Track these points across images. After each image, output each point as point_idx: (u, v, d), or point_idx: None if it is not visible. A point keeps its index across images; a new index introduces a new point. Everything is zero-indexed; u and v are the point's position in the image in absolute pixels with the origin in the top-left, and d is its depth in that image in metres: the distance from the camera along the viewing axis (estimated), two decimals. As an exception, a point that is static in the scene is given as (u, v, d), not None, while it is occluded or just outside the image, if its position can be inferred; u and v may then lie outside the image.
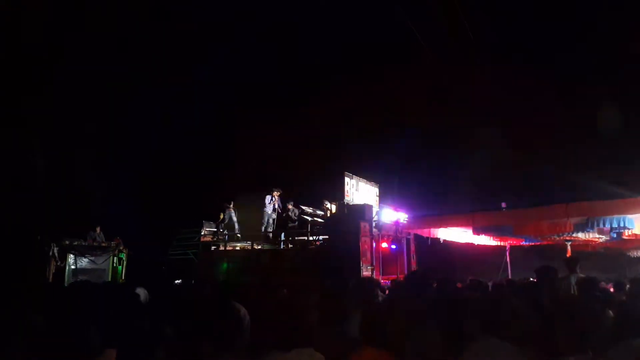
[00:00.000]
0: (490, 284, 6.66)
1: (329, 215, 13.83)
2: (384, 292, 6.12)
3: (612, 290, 6.22)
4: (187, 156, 21.59)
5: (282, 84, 22.13)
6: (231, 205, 15.51)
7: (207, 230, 15.61)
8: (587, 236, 12.42)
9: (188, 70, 21.82)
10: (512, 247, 15.48)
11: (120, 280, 13.95)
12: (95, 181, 18.80)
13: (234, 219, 15.44)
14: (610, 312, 3.22)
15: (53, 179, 17.39)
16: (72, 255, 14.24)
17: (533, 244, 15.13)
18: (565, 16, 19.51)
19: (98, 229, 15.23)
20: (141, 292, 4.82)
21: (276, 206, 15.24)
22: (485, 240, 14.85)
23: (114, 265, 14.96)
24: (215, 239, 15.50)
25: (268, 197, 15.06)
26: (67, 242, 14.24)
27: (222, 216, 15.46)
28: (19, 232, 14.04)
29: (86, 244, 14.71)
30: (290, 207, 14.93)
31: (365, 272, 12.09)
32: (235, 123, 21.69)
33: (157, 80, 21.16)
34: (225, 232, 15.40)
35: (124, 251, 15.36)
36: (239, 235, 15.44)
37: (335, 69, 21.76)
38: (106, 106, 19.66)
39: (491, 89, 20.67)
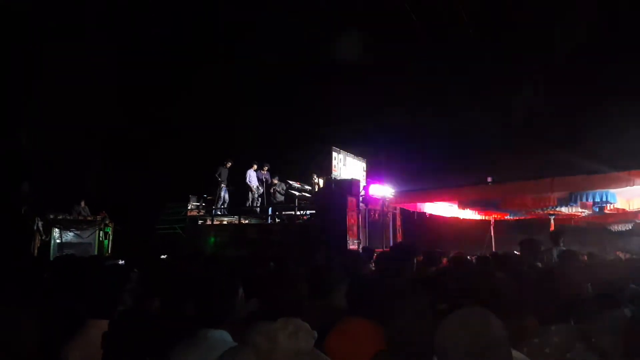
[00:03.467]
0: (474, 257, 6.77)
1: (316, 189, 13.86)
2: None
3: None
4: (173, 130, 21.38)
5: (269, 59, 21.82)
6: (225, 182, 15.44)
7: (193, 204, 15.58)
8: (570, 210, 12.58)
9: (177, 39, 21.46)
10: (496, 221, 15.65)
11: (107, 255, 13.92)
12: (81, 155, 18.59)
13: (225, 195, 15.37)
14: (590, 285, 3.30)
15: (36, 151, 17.15)
16: (57, 230, 14.13)
17: (517, 218, 15.31)
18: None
19: (83, 203, 15.11)
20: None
21: (263, 179, 15.28)
22: (470, 214, 15.00)
23: (100, 239, 14.90)
24: (199, 212, 15.45)
25: (249, 172, 15.05)
26: (51, 216, 14.11)
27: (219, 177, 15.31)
28: (3, 206, 13.87)
29: (71, 217, 14.60)
30: (276, 181, 14.94)
31: (352, 246, 12.18)
32: (220, 97, 21.44)
33: (143, 49, 20.82)
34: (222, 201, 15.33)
35: (110, 225, 15.28)
36: (224, 209, 15.43)
37: (324, 42, 21.49)
38: (93, 74, 19.29)
39: (478, 64, 20.64)
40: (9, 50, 17.29)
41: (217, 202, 15.19)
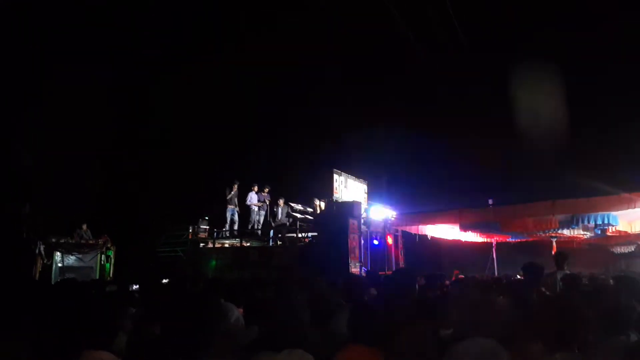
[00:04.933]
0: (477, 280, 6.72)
1: (318, 212, 13.84)
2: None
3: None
4: (174, 154, 21.46)
5: (271, 82, 22.05)
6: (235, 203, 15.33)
7: (195, 227, 15.51)
8: (572, 233, 12.59)
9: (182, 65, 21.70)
10: (498, 244, 15.61)
11: (108, 278, 13.84)
12: (82, 178, 18.62)
13: (234, 217, 15.24)
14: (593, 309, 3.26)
15: (39, 175, 17.20)
16: (58, 253, 14.10)
17: (519, 240, 15.27)
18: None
19: (85, 226, 15.08)
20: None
21: (265, 201, 15.25)
22: (472, 236, 14.97)
23: (102, 262, 14.84)
24: (196, 235, 15.29)
25: (250, 194, 15.04)
26: (53, 240, 14.10)
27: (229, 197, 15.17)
28: (5, 229, 13.85)
29: (73, 241, 14.57)
30: (281, 203, 14.90)
31: (354, 268, 12.12)
32: (222, 120, 21.59)
33: (144, 71, 21.04)
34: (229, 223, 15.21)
35: (112, 249, 15.22)
36: (234, 231, 15.29)
37: (326, 66, 21.72)
38: (95, 96, 19.44)
39: (479, 87, 20.80)
40: (8, 73, 17.47)
41: (225, 224, 15.13)
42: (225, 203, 15.03)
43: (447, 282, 6.91)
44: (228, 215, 14.99)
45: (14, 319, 3.59)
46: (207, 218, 15.72)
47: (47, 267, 13.68)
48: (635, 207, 9.55)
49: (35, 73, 18.51)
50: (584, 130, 18.75)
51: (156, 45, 20.71)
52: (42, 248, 13.62)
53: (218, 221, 15.57)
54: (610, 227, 11.24)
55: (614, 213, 10.32)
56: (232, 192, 15.00)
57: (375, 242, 14.15)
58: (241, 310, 4.09)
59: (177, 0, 21.08)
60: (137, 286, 7.19)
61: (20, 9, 16.37)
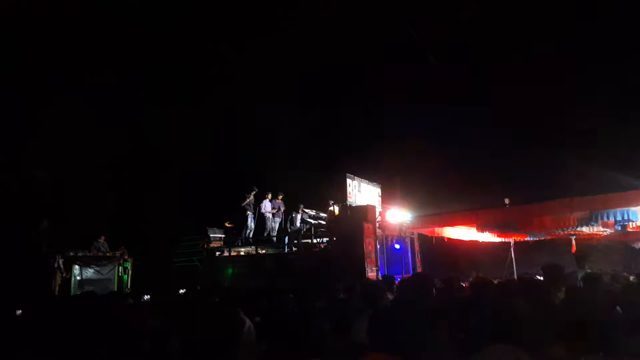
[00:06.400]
0: (496, 280, 6.64)
1: (332, 217, 13.82)
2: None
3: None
4: (188, 163, 21.59)
5: (282, 84, 22.11)
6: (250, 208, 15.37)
7: (211, 236, 15.60)
8: (591, 230, 12.36)
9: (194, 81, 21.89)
10: (516, 243, 15.40)
11: (126, 290, 13.96)
12: (98, 191, 18.83)
13: (252, 224, 15.30)
14: (619, 308, 3.20)
15: (55, 189, 17.43)
16: (77, 266, 14.27)
17: (537, 239, 15.07)
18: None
19: (102, 239, 15.25)
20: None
21: (281, 209, 15.29)
22: (489, 237, 14.79)
23: (120, 274, 14.98)
24: (209, 244, 15.35)
25: (264, 202, 15.09)
26: (72, 253, 14.27)
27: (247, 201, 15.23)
28: (24, 244, 14.07)
29: (91, 254, 14.74)
30: (301, 210, 14.94)
31: (371, 273, 12.07)
32: (237, 126, 21.69)
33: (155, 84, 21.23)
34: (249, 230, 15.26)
35: (129, 260, 15.36)
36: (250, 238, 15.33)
37: (339, 68, 21.73)
38: (109, 109, 19.68)
39: (491, 84, 20.65)
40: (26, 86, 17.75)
41: (245, 231, 15.19)
42: (244, 209, 15.13)
43: (466, 284, 6.83)
44: (249, 220, 15.08)
45: (37, 332, 3.63)
46: (227, 223, 15.82)
47: (66, 281, 13.85)
48: (655, 202, 9.39)
49: (49, 90, 18.80)
50: (600, 125, 18.49)
51: (163, 49, 20.89)
52: (60, 262, 13.80)
53: (235, 229, 15.67)
54: (630, 223, 11.04)
55: (633, 209, 10.13)
56: (250, 199, 15.08)
57: (397, 246, 14.10)
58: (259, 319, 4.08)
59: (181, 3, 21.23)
60: (148, 296, 7.26)
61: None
